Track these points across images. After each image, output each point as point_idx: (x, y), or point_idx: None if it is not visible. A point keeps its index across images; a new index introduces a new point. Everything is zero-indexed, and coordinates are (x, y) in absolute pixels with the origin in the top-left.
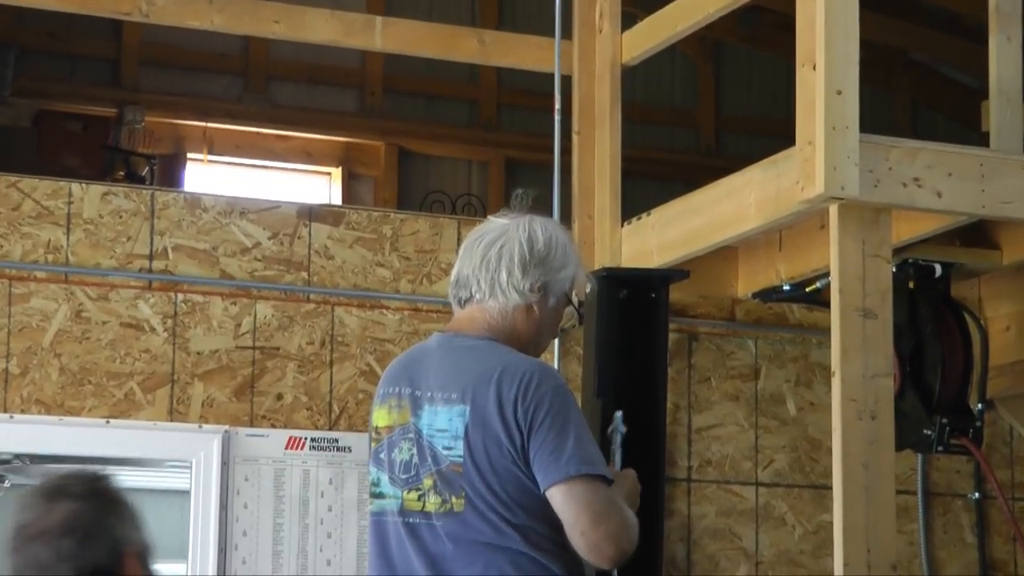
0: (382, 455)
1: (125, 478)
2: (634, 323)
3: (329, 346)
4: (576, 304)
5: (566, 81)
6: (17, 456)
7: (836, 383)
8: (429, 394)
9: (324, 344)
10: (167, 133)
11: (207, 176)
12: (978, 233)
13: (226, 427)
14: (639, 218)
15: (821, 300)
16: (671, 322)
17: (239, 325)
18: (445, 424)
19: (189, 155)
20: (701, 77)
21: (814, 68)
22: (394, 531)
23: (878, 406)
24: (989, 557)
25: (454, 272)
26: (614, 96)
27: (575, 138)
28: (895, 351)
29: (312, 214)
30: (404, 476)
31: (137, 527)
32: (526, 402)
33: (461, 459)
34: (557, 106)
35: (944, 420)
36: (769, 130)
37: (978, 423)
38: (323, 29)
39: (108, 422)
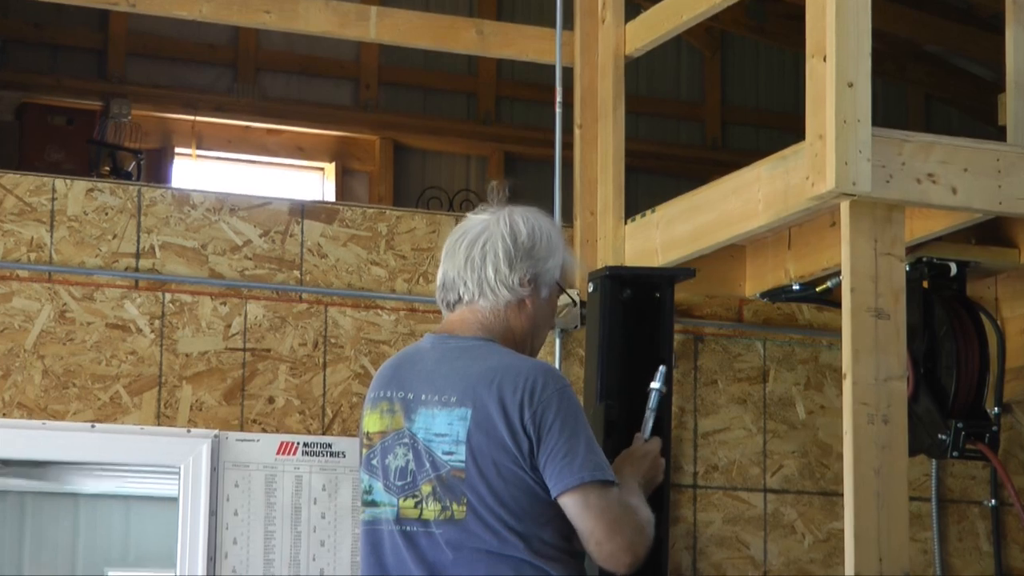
0: (374, 461)
1: (111, 484)
2: (638, 324)
3: (322, 348)
4: (570, 293)
5: (568, 73)
6: None
7: (847, 386)
8: (424, 397)
9: (317, 346)
10: (154, 127)
11: (196, 171)
12: (994, 231)
13: (215, 431)
14: (643, 215)
15: (832, 300)
16: (676, 323)
17: (229, 326)
18: (444, 428)
19: (177, 150)
20: (707, 69)
21: (824, 60)
22: (389, 540)
23: (891, 410)
24: (1006, 566)
25: (439, 275)
26: (617, 88)
27: (577, 132)
28: (908, 353)
29: (304, 211)
30: (400, 483)
31: None
32: (533, 406)
33: (463, 464)
34: (558, 99)
35: (959, 424)
36: (778, 124)
37: (994, 427)
38: (316, 19)
39: (93, 426)
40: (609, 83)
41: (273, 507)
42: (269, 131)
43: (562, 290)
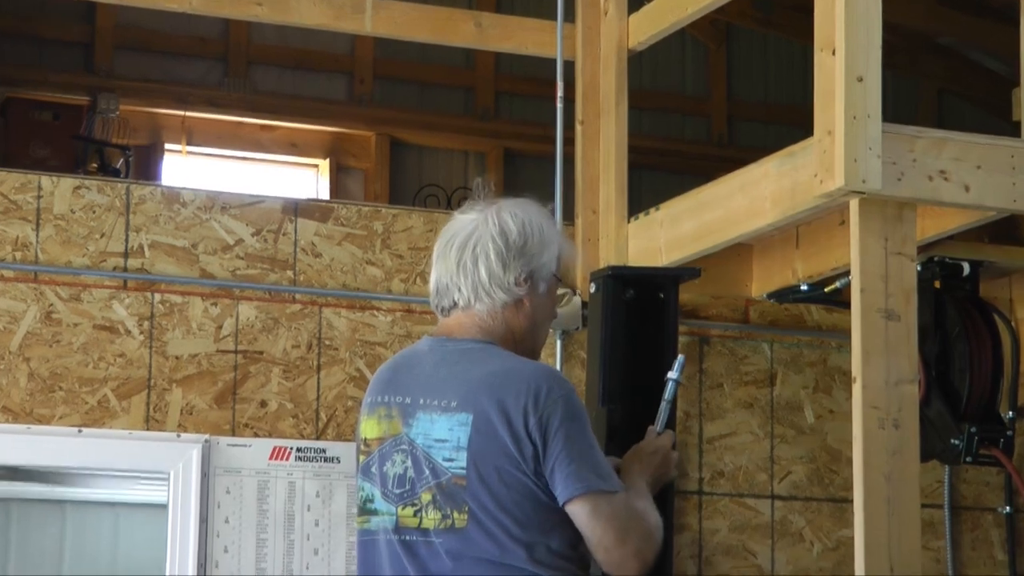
0: (373, 468)
1: (98, 491)
2: (641, 325)
3: (316, 350)
4: (569, 285)
5: (569, 67)
6: None
7: (857, 389)
8: (423, 401)
9: (311, 348)
10: (143, 122)
11: (186, 168)
12: (1008, 229)
13: (206, 436)
14: (647, 213)
15: (841, 301)
16: (681, 324)
17: (220, 327)
18: (444, 434)
19: (167, 146)
20: (713, 62)
21: (833, 53)
22: (388, 550)
23: (902, 414)
24: (1020, 575)
25: (432, 281)
26: (620, 83)
27: (578, 128)
28: (920, 355)
29: (298, 209)
30: (398, 491)
31: None
32: (538, 411)
33: (464, 471)
34: (559, 93)
35: (972, 429)
36: (785, 119)
37: (1009, 432)
38: (309, 12)
39: (80, 431)
40: (612, 77)
41: (265, 514)
42: (261, 127)
43: (560, 282)
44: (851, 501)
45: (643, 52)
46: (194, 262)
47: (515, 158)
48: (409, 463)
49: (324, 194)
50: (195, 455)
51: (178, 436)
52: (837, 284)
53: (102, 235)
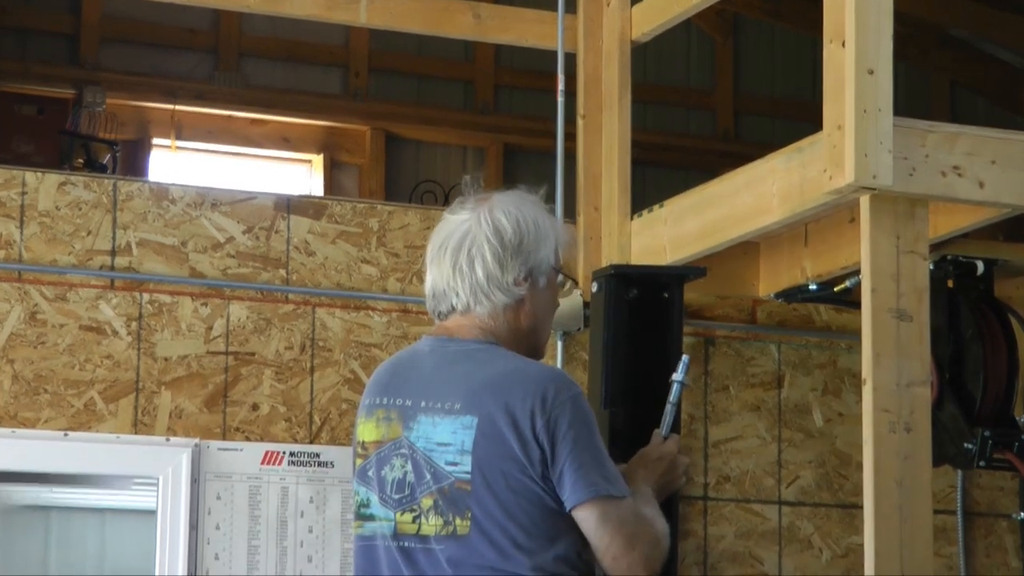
0: (370, 473)
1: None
2: (645, 326)
3: (310, 351)
4: (569, 274)
5: (570, 59)
6: None
7: (867, 392)
8: (424, 404)
9: (304, 349)
10: (131, 116)
11: (175, 164)
12: None
13: (196, 440)
14: (650, 210)
15: (851, 301)
16: (686, 325)
17: (210, 328)
18: (447, 437)
19: (155, 141)
20: (719, 55)
21: (843, 45)
22: (387, 557)
23: (913, 417)
24: None
25: (427, 285)
26: (623, 76)
27: (580, 122)
28: (932, 357)
29: (291, 206)
30: (397, 496)
31: None
32: (546, 414)
33: (469, 476)
34: (561, 87)
35: (986, 432)
36: (793, 113)
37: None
38: (302, 2)
39: (66, 435)
40: (614, 70)
41: (257, 520)
42: (253, 121)
43: (560, 272)
44: (861, 507)
45: (647, 44)
46: (183, 261)
47: (515, 153)
48: (409, 467)
49: (318, 190)
50: (185, 460)
51: (167, 440)
52: (847, 283)
53: (88, 233)
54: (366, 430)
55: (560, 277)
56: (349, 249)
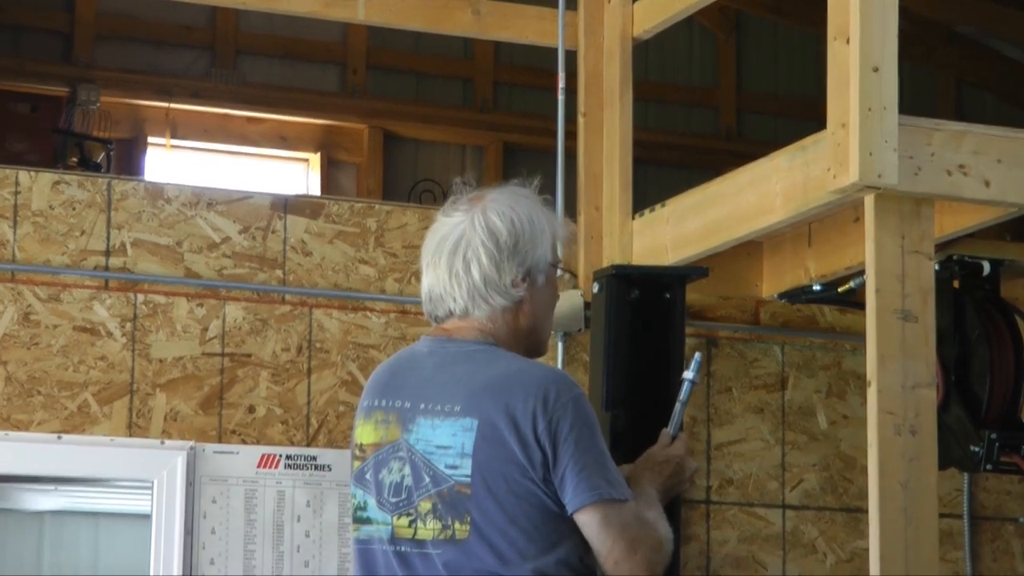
0: (367, 475)
1: (78, 500)
2: (646, 327)
3: (307, 353)
4: (567, 268)
5: (571, 56)
6: None
7: (872, 394)
8: (423, 406)
9: (301, 350)
10: (125, 115)
11: (170, 163)
12: None
13: (191, 443)
14: (652, 210)
15: (855, 301)
16: (688, 326)
17: (206, 329)
18: (447, 440)
19: (150, 139)
20: (722, 52)
21: (848, 42)
22: (384, 561)
23: (919, 420)
24: None
25: (424, 289)
26: (624, 73)
27: (581, 120)
28: (938, 358)
29: (287, 205)
30: (394, 500)
31: None
32: (547, 416)
33: (469, 479)
34: (561, 84)
35: (993, 435)
36: (797, 111)
37: None
38: None
39: (60, 438)
40: (616, 67)
41: (253, 525)
42: (249, 119)
43: (558, 267)
44: (866, 510)
45: (649, 41)
46: (179, 261)
47: (515, 152)
48: (407, 471)
49: (315, 190)
50: (180, 463)
51: (162, 443)
52: (851, 284)
53: (82, 232)
54: (364, 432)
55: (559, 271)
56: (347, 249)
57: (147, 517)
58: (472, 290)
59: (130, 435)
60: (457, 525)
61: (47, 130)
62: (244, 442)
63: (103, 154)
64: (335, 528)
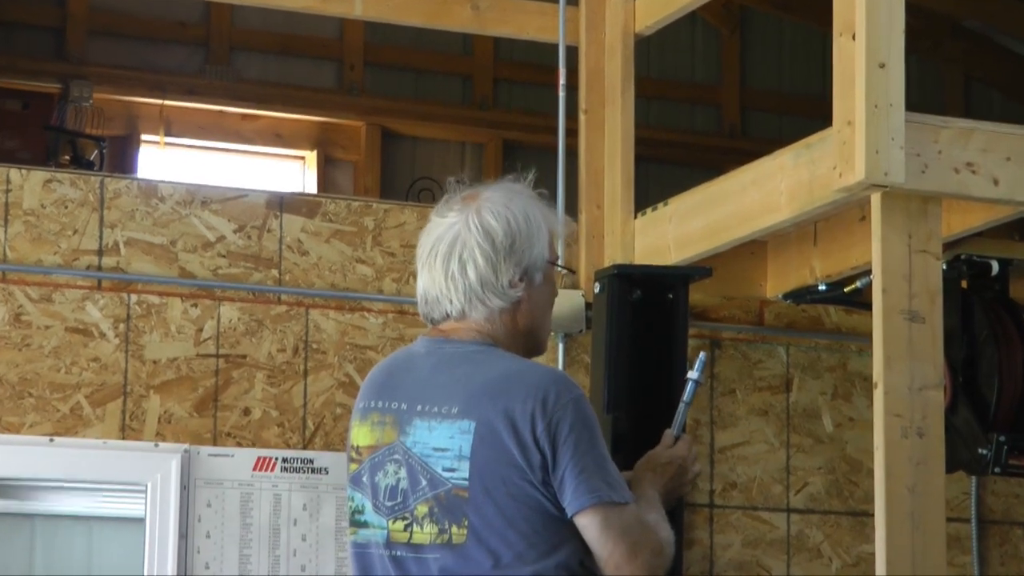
0: (364, 478)
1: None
2: (649, 328)
3: (303, 354)
4: (566, 266)
5: (572, 52)
6: None
7: (878, 396)
8: (420, 408)
9: (297, 352)
10: (118, 112)
11: (164, 161)
12: None
13: (186, 446)
14: (654, 208)
15: (861, 302)
16: (691, 327)
17: (200, 330)
18: (444, 442)
19: (143, 137)
20: (725, 48)
21: (854, 37)
22: (380, 565)
23: (926, 422)
24: None
25: (419, 291)
26: (626, 70)
27: (582, 117)
28: (945, 360)
29: (283, 204)
30: (390, 503)
31: None
32: (547, 417)
33: (467, 482)
34: (562, 81)
35: (1001, 438)
36: (802, 109)
37: None
38: None
39: (52, 440)
40: (617, 64)
41: (249, 528)
42: (244, 116)
43: (556, 264)
44: (872, 515)
45: (651, 37)
46: (173, 260)
47: (515, 149)
48: (403, 474)
49: (311, 188)
50: (174, 466)
51: (156, 446)
52: (857, 284)
53: (75, 232)
54: (360, 434)
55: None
56: (344, 248)
57: (141, 521)
58: (469, 292)
59: (123, 438)
60: (454, 529)
61: (39, 127)
62: (239, 445)
63: (96, 152)
64: (332, 532)
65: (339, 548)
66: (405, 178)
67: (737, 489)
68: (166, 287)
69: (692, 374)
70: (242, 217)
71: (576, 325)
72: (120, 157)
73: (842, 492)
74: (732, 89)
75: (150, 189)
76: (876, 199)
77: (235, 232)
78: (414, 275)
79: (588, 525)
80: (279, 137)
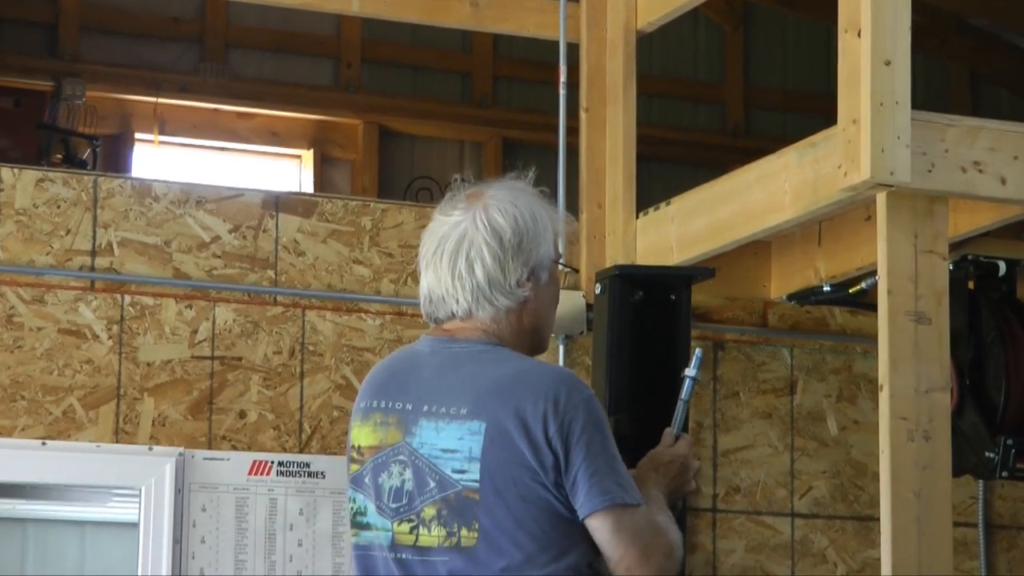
0: (366, 479)
1: (64, 508)
2: (651, 329)
3: (299, 356)
4: (569, 264)
5: (573, 50)
6: None
7: (884, 398)
8: (427, 408)
9: (293, 354)
10: (112, 110)
11: (158, 160)
12: None
13: (180, 449)
14: (656, 208)
15: (867, 303)
16: (693, 328)
17: (195, 332)
18: (454, 443)
19: (137, 135)
20: (728, 45)
21: (859, 35)
22: (384, 568)
23: (932, 425)
24: None
25: (423, 290)
26: (628, 67)
27: (583, 115)
28: (952, 362)
29: (279, 203)
30: (394, 505)
31: None
32: (559, 418)
33: (477, 484)
34: (563, 79)
35: (1009, 441)
36: (806, 107)
37: None
38: None
39: (44, 444)
40: (619, 61)
41: (244, 533)
42: (240, 115)
43: (560, 262)
44: (878, 519)
45: (653, 34)
46: (167, 261)
47: (515, 148)
48: (409, 475)
49: (308, 187)
50: (168, 470)
51: (150, 449)
52: (863, 285)
53: (67, 232)
54: (362, 434)
55: (560, 264)
56: (341, 249)
57: (134, 526)
58: (476, 291)
59: (117, 441)
60: (464, 532)
61: (31, 126)
62: (235, 448)
63: (89, 150)
64: (329, 537)
65: (336, 553)
66: (403, 177)
67: (740, 493)
68: (160, 288)
69: (689, 371)
70: (237, 217)
71: (577, 326)
72: (113, 156)
73: (847, 496)
74: (735, 87)
75: (144, 188)
76: (882, 199)
77: (230, 232)
78: (412, 276)
79: (600, 527)
80: (275, 136)
